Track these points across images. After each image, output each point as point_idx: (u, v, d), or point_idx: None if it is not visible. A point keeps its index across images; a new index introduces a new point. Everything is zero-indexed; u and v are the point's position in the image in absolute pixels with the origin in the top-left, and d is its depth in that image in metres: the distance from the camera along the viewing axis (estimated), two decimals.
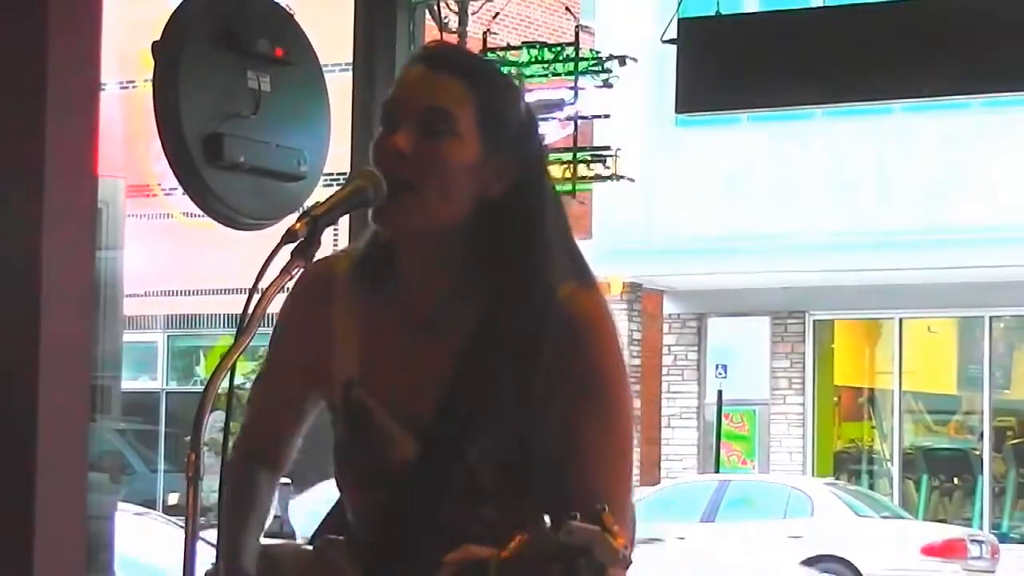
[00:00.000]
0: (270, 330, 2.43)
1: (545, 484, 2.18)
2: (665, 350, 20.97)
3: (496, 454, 2.19)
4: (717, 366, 20.98)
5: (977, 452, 20.69)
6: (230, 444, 2.35)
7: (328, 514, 2.44)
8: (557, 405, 2.21)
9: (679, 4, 6.21)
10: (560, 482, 2.18)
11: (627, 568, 1.86)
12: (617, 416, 2.29)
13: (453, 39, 6.12)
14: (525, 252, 2.21)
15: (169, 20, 4.54)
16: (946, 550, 17.07)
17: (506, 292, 2.22)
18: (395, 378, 2.23)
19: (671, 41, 5.39)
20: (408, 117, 2.17)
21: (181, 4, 4.60)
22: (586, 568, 1.79)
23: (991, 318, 20.20)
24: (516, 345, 2.19)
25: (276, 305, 2.31)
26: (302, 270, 2.17)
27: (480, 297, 2.21)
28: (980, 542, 17.64)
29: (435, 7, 5.75)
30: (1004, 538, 18.75)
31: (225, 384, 2.08)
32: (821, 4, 5.42)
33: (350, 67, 5.07)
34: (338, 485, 2.40)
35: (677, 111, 5.91)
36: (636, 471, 2.54)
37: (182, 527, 2.30)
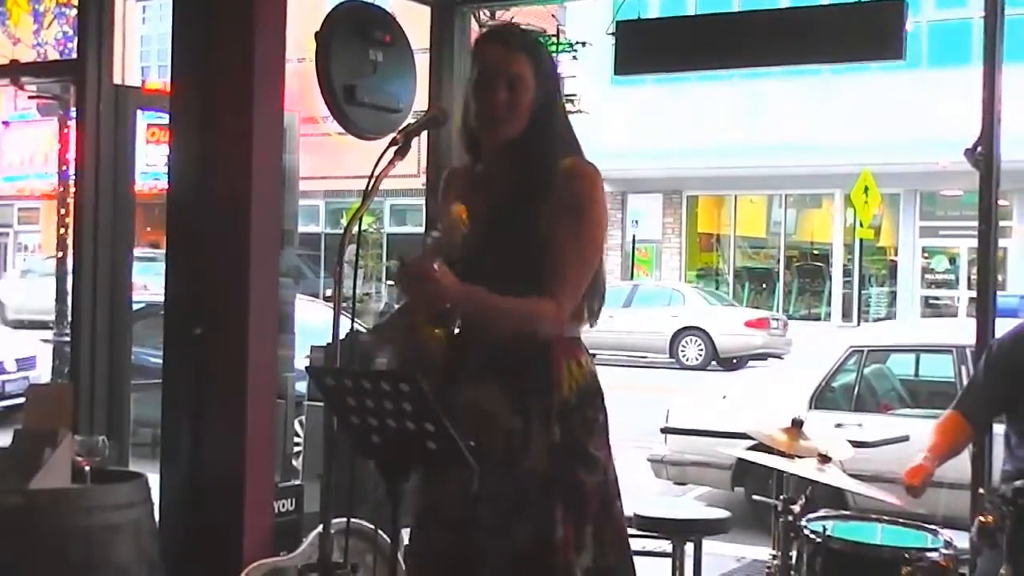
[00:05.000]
0: (381, 197, 3.93)
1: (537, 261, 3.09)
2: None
3: (511, 247, 3.11)
4: (632, 221, 28.37)
5: (776, 270, 28.85)
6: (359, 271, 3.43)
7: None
8: (554, 219, 3.11)
9: (615, 11, 6.78)
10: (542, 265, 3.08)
11: (462, 230, 2.97)
12: (589, 230, 3.18)
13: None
14: (540, 141, 3.17)
15: (324, 19, 5.37)
16: (758, 324, 22.69)
17: (527, 162, 3.17)
18: (471, 213, 3.08)
19: (612, 33, 5.78)
20: (498, 81, 3.15)
21: (331, 9, 5.46)
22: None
23: (785, 195, 28.39)
24: (533, 188, 3.14)
25: (386, 183, 3.10)
26: (446, 170, 3.40)
27: (514, 170, 3.18)
28: (777, 319, 23.55)
29: (476, 12, 6.29)
30: (791, 317, 25.32)
31: (355, 229, 3.00)
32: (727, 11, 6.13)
33: (427, 50, 5.91)
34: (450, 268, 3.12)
35: (615, 74, 6.00)
36: None
37: (331, 308, 3.15)
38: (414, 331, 3.12)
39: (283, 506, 5.12)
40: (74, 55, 5.47)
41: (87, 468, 4.33)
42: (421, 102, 5.51)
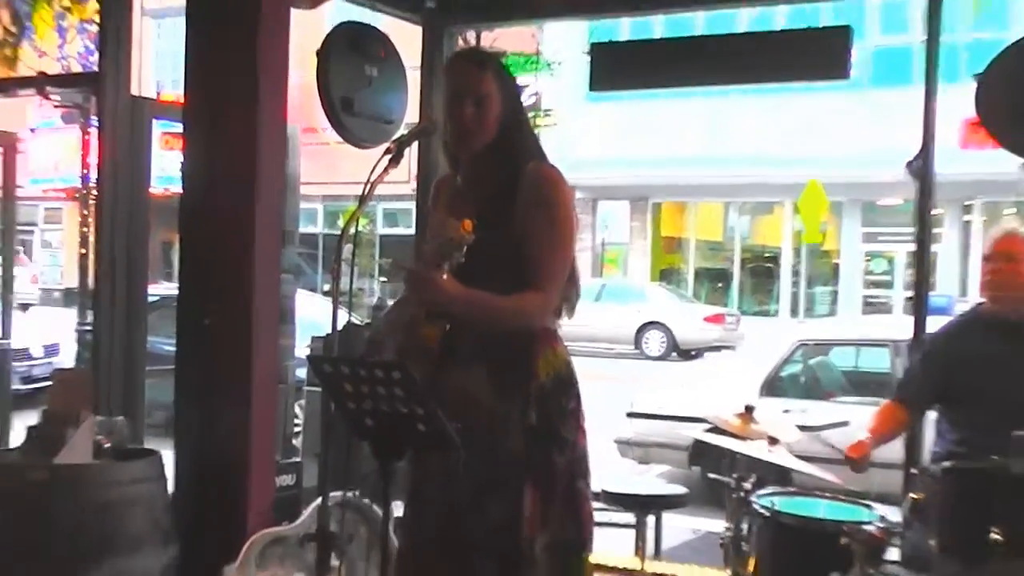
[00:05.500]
0: (375, 201, 3.87)
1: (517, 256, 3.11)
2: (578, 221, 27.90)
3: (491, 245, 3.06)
4: (603, 224, 28.28)
5: (731, 271, 28.51)
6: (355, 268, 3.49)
7: None
8: (527, 217, 3.15)
9: (590, 34, 7.89)
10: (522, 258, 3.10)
11: (466, 242, 2.94)
12: (559, 223, 3.20)
13: None
14: (510, 150, 3.21)
15: (324, 38, 5.34)
16: (715, 319, 22.90)
17: (499, 169, 3.21)
18: (458, 210, 3.16)
19: (587, 53, 5.75)
20: (467, 97, 3.19)
21: (331, 30, 5.41)
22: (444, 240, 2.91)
23: (740, 202, 27.92)
24: (504, 191, 3.16)
25: (379, 188, 3.10)
26: (435, 180, 3.45)
27: (490, 175, 3.23)
28: (732, 315, 23.76)
29: (463, 33, 6.01)
30: (744, 313, 25.33)
31: (352, 230, 3.04)
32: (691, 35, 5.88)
33: (419, 67, 5.83)
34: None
35: (589, 90, 5.89)
36: None
37: (329, 301, 3.18)
38: (414, 327, 3.14)
39: (284, 481, 5.14)
40: (95, 68, 5.48)
41: (106, 446, 4.35)
42: (412, 114, 5.49)
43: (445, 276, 2.98)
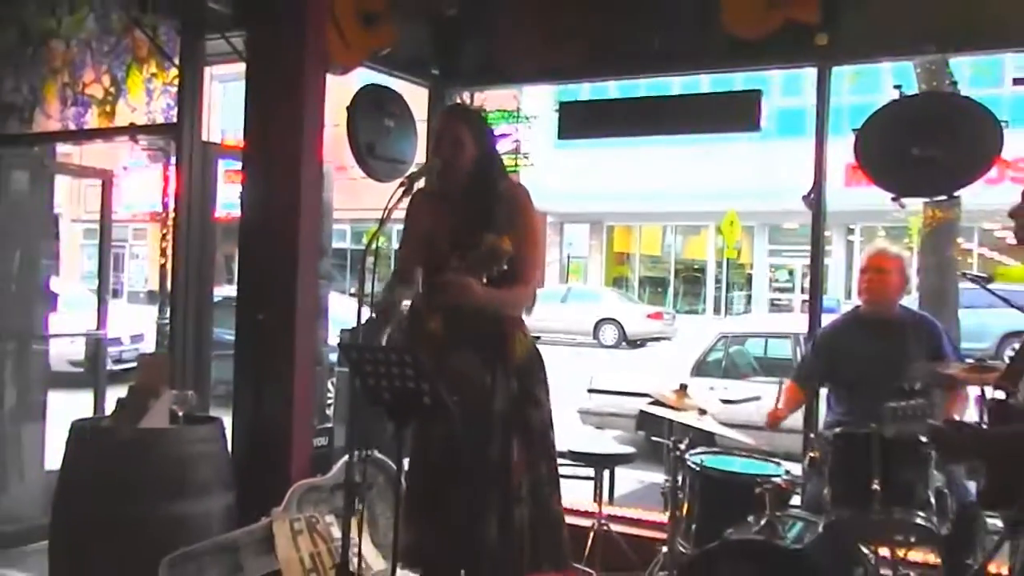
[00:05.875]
0: (391, 224, 3.06)
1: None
2: (548, 239, 27.22)
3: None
4: (568, 242, 28.62)
5: (668, 279, 29.03)
6: (376, 275, 3.14)
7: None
8: (505, 225, 3.13)
9: (558, 95, 7.40)
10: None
11: (507, 254, 2.90)
12: (534, 233, 3.25)
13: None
14: (487, 174, 3.27)
15: (352, 97, 5.26)
16: (656, 316, 22.82)
17: (479, 188, 3.24)
18: (439, 229, 3.26)
19: (556, 110, 5.68)
20: (449, 140, 3.27)
21: (358, 91, 5.35)
22: (488, 252, 2.89)
23: (675, 225, 28.60)
24: (484, 208, 3.19)
25: (398, 213, 3.14)
26: (410, 196, 3.17)
27: (470, 194, 3.25)
28: (669, 313, 23.74)
29: (459, 93, 5.85)
30: (678, 311, 25.50)
31: (373, 246, 3.13)
32: (637, 96, 5.43)
33: (425, 120, 5.58)
34: (423, 271, 3.29)
35: (558, 138, 5.90)
36: None
37: (355, 301, 3.13)
38: (422, 322, 3.15)
39: (319, 442, 5.11)
40: (174, 120, 5.46)
41: (180, 413, 4.33)
42: (420, 156, 5.47)
43: (484, 281, 2.99)
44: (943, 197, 4.81)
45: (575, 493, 5.55)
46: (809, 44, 4.64)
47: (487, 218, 3.16)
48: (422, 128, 5.50)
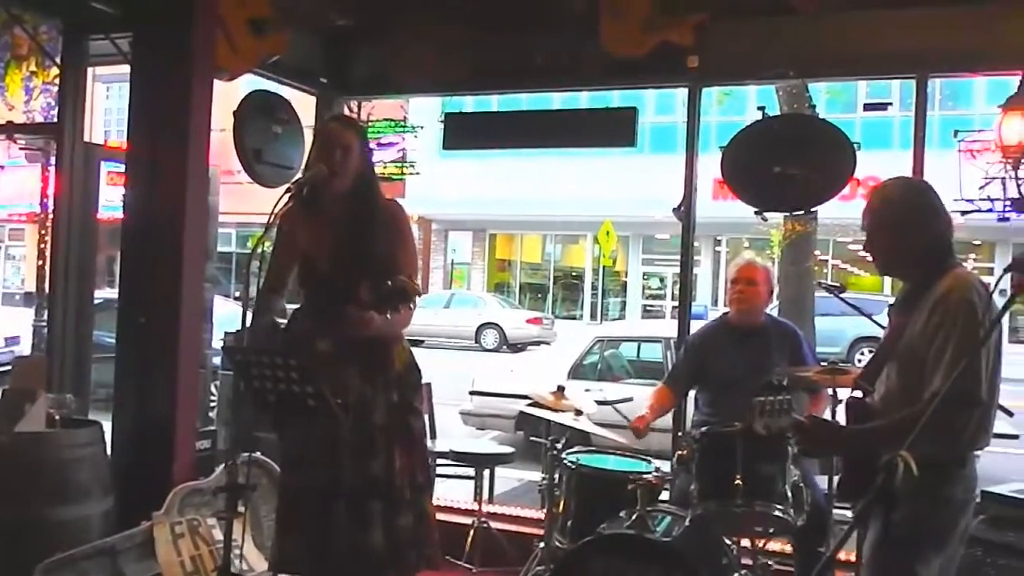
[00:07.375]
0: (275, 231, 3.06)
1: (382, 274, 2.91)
2: (433, 245, 28.26)
3: (357, 267, 3.02)
4: (452, 248, 28.65)
5: (547, 285, 28.89)
6: (260, 279, 3.17)
7: (296, 308, 3.31)
8: (386, 243, 3.11)
9: (443, 106, 6.92)
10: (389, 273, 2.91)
11: (419, 295, 2.87)
12: (415, 253, 3.26)
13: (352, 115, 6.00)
14: (367, 192, 3.17)
15: (240, 102, 5.16)
16: (535, 321, 22.62)
17: (360, 205, 3.16)
18: (318, 244, 3.15)
19: (441, 120, 5.73)
20: (335, 148, 3.15)
21: (245, 96, 5.24)
22: (399, 291, 2.79)
23: (554, 234, 28.34)
24: (365, 227, 3.12)
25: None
26: (284, 208, 3.05)
27: (351, 210, 3.15)
28: (548, 318, 23.51)
29: (347, 104, 5.86)
30: (557, 316, 25.34)
31: (258, 249, 3.00)
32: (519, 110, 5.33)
33: (312, 126, 5.29)
34: (300, 287, 3.25)
35: (443, 148, 5.94)
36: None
37: (239, 305, 3.09)
38: (310, 338, 3.09)
39: (202, 445, 4.95)
40: (55, 119, 5.30)
41: (57, 417, 4.20)
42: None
43: (388, 316, 2.92)
44: (801, 212, 4.98)
45: (456, 492, 5.58)
46: (682, 66, 4.75)
47: (369, 237, 3.12)
48: (310, 135, 5.40)
